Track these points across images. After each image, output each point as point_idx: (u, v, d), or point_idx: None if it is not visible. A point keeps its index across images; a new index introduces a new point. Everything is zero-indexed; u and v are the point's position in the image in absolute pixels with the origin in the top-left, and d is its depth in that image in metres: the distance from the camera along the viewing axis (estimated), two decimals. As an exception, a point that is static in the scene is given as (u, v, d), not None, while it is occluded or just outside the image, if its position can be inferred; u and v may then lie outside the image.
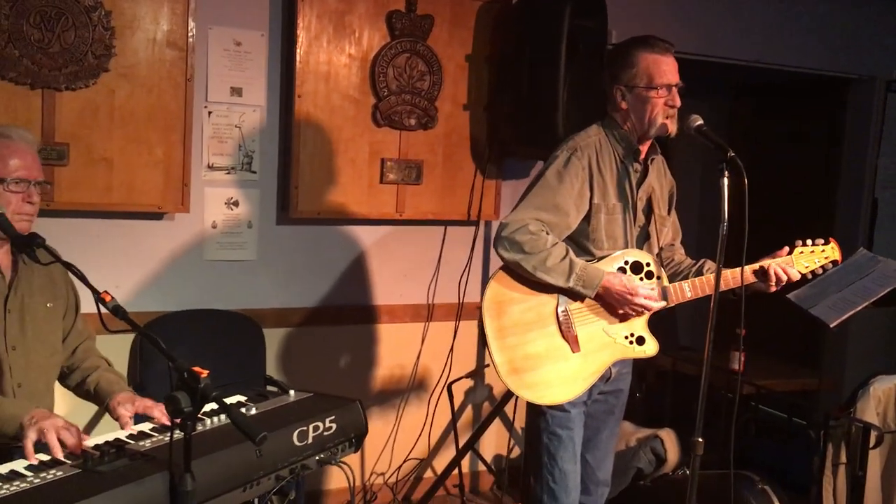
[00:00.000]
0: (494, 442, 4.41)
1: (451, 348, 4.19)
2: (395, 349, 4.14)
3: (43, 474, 1.86)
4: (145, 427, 2.26)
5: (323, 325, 3.95)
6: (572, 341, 2.65)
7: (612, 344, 2.70)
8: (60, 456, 1.98)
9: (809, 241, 2.78)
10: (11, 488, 1.77)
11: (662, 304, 2.67)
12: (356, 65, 3.76)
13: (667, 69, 2.61)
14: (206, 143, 3.60)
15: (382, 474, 4.16)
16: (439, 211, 4.03)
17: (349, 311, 4.01)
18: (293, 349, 3.90)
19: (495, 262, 4.01)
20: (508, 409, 4.23)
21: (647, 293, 2.63)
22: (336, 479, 4.03)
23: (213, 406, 2.04)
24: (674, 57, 2.64)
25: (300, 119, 3.67)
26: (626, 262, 2.69)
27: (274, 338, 3.84)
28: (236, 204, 3.70)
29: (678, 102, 2.62)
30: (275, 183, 3.77)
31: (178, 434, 1.83)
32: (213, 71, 3.58)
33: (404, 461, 4.20)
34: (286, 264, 3.86)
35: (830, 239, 2.82)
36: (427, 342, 4.17)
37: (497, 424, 4.32)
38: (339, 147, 3.77)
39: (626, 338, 2.71)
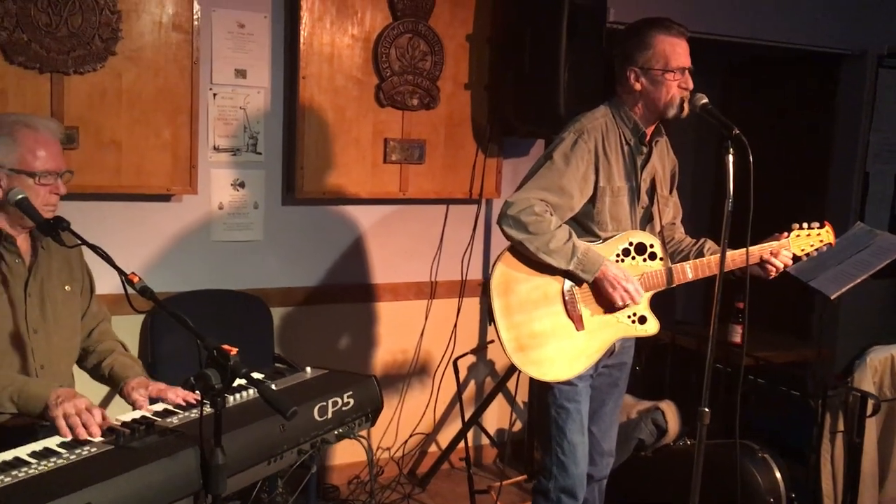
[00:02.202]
0: (497, 416, 4.48)
1: (455, 325, 4.25)
2: (399, 327, 4.19)
3: (78, 451, 1.91)
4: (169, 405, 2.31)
5: (328, 303, 4.00)
6: (577, 320, 2.71)
7: (615, 323, 2.75)
8: (85, 438, 2.01)
9: (805, 225, 2.83)
10: (49, 465, 1.83)
11: (644, 299, 2.72)
12: (359, 46, 3.79)
13: (681, 52, 2.63)
14: (211, 124, 3.63)
15: (388, 449, 4.24)
16: (441, 189, 4.08)
17: (354, 290, 4.06)
18: (299, 327, 3.95)
19: (497, 240, 4.09)
20: (510, 384, 4.30)
21: (637, 286, 2.68)
22: (341, 455, 4.10)
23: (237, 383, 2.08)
24: (687, 40, 2.66)
25: (304, 100, 3.70)
26: (631, 244, 2.74)
27: (280, 316, 3.89)
28: (242, 185, 3.74)
29: (691, 85, 2.64)
30: (280, 164, 3.80)
31: (205, 410, 1.89)
32: (217, 53, 3.60)
33: (410, 436, 4.28)
34: (292, 244, 3.90)
35: (825, 222, 2.87)
36: (430, 319, 4.23)
37: (499, 399, 4.39)
38: (342, 128, 3.81)
39: (629, 317, 2.76)
